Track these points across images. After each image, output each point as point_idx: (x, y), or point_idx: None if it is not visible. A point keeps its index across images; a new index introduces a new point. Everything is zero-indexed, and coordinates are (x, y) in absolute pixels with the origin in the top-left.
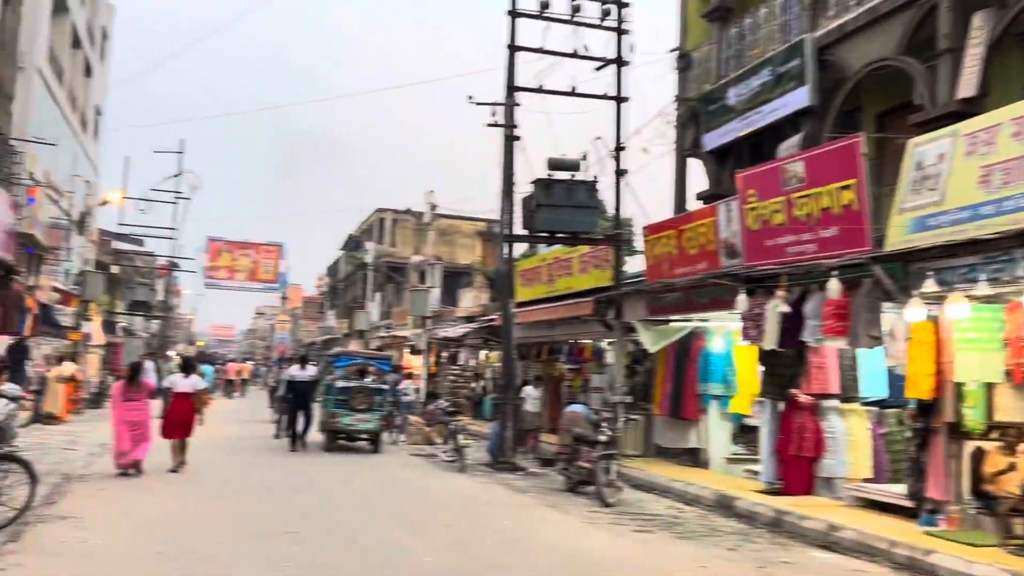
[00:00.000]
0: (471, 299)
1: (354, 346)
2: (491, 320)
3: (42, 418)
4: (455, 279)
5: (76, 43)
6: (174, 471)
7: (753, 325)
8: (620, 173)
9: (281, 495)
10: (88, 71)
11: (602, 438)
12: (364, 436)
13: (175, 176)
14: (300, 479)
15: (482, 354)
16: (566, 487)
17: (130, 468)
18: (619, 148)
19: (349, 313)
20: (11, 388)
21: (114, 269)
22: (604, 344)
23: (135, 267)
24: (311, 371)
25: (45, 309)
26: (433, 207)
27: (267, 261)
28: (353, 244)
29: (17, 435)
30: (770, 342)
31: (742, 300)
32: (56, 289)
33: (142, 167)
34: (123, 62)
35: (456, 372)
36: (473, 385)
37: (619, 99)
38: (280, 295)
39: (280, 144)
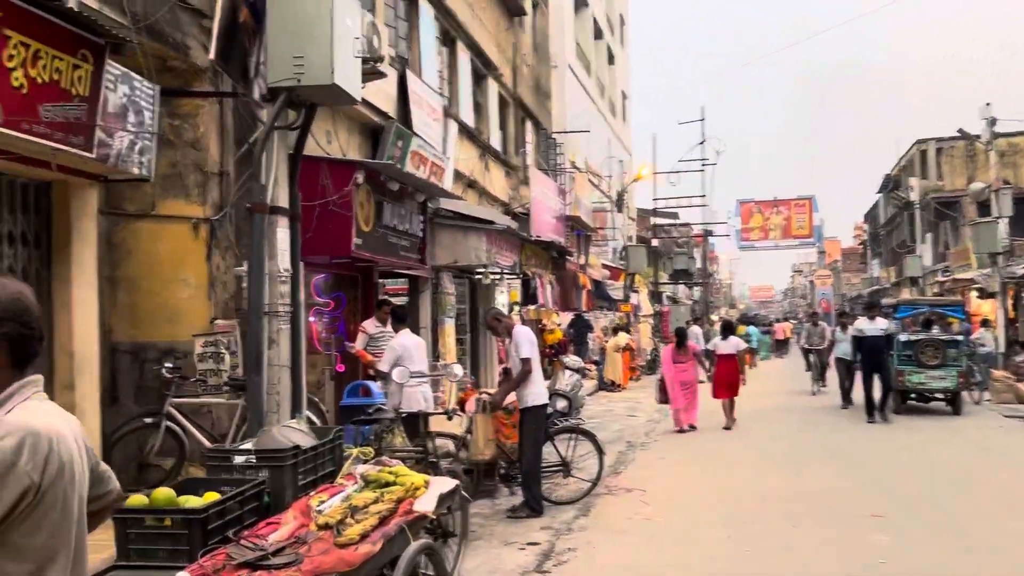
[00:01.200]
0: None
1: (906, 295)
2: None
3: (606, 386)
4: None
5: (598, 34)
6: (727, 428)
7: None
8: None
9: (848, 467)
10: (611, 59)
11: None
12: (939, 396)
13: (699, 144)
14: (866, 447)
15: None
16: None
17: (686, 427)
18: None
19: (896, 260)
20: (574, 360)
21: (654, 242)
22: None
23: (672, 238)
24: (882, 324)
25: (598, 285)
26: (992, 122)
27: (799, 216)
28: (892, 184)
29: (584, 404)
30: None
31: None
32: (605, 266)
33: (670, 141)
34: (639, 42)
35: None
36: None
37: None
38: (816, 250)
39: (804, 89)
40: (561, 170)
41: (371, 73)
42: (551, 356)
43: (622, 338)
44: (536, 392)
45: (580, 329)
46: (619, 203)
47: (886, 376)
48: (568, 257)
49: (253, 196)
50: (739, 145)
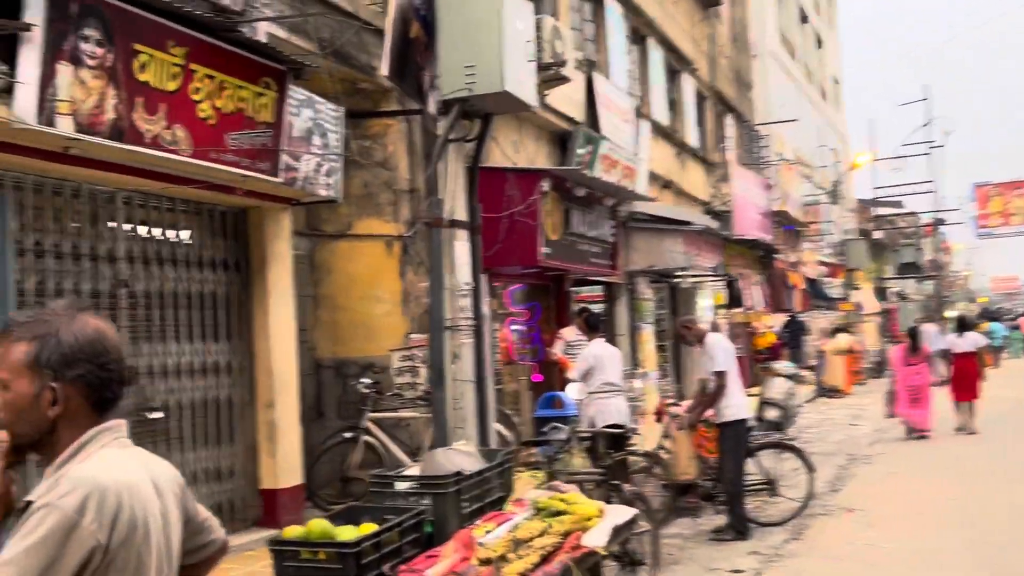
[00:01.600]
0: None
1: None
2: None
3: (825, 392)
4: None
5: (804, 18)
6: (968, 432)
7: None
8: None
9: None
10: (819, 43)
11: None
12: None
13: (924, 126)
14: None
15: None
16: None
17: (917, 435)
18: None
19: None
20: (785, 366)
21: (877, 234)
22: None
23: (897, 229)
24: None
25: (813, 283)
26: None
27: None
28: None
29: (798, 414)
30: None
31: None
32: (821, 262)
33: (891, 125)
34: (851, 23)
35: None
36: None
37: None
38: None
39: None
40: (767, 163)
41: (555, 79)
42: (763, 361)
43: (843, 339)
44: (735, 404)
45: (794, 331)
46: (834, 194)
47: None
48: (776, 255)
49: (431, 211)
50: (973, 122)
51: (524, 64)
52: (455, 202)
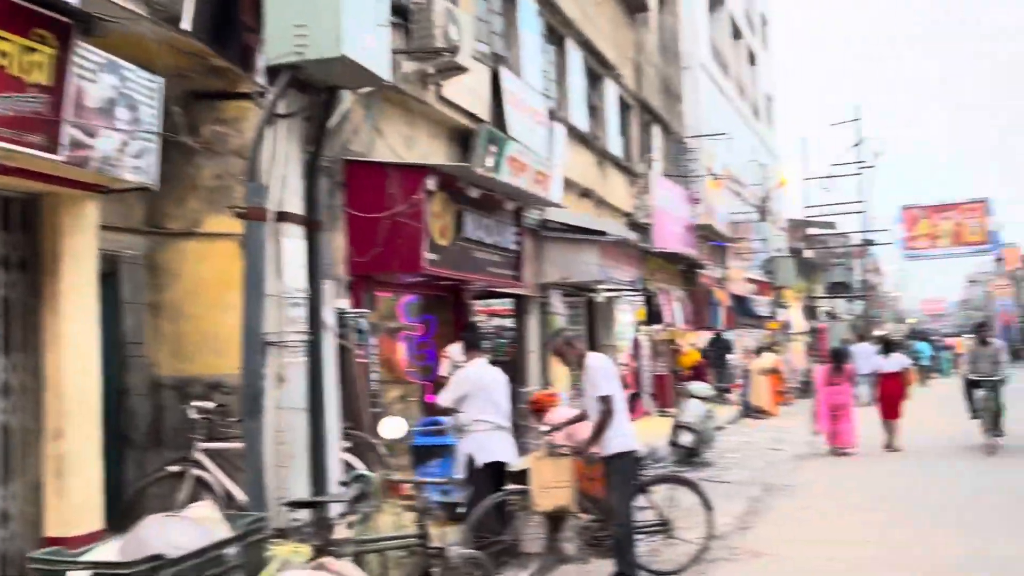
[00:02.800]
0: None
1: None
2: None
3: (751, 412)
4: None
5: (736, 34)
6: (891, 449)
7: None
8: None
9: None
10: (752, 59)
11: None
12: None
13: (855, 146)
14: None
15: None
16: None
17: (840, 452)
18: None
19: None
20: (702, 388)
21: (808, 253)
22: None
23: (827, 248)
24: None
25: (740, 301)
26: None
27: (972, 221)
28: None
29: (715, 437)
30: None
31: None
32: (749, 279)
33: (825, 146)
34: (786, 42)
35: None
36: None
37: None
38: (993, 257)
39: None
40: (695, 177)
41: (449, 68)
42: (685, 380)
43: (768, 359)
44: (623, 434)
45: (719, 350)
46: (762, 211)
47: None
48: (701, 270)
49: (249, 199)
50: (903, 145)
51: (372, 28)
52: (286, 191)
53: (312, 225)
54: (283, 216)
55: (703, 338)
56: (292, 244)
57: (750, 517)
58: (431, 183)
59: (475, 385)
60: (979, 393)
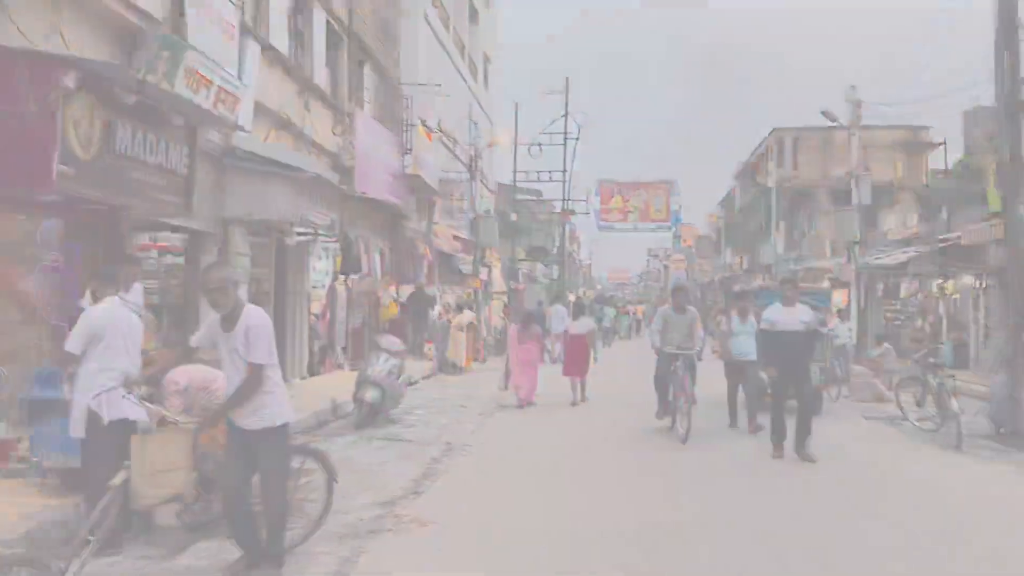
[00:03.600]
0: (894, 221)
1: (759, 282)
2: (949, 240)
3: (447, 367)
4: (873, 199)
5: None
6: (574, 404)
7: None
8: None
9: (710, 495)
10: (474, 16)
11: None
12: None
13: (563, 116)
14: (741, 468)
15: (934, 285)
16: None
17: (525, 404)
18: None
19: (749, 247)
20: (390, 341)
21: (513, 217)
22: None
23: (533, 213)
24: (806, 316)
25: (447, 257)
26: (858, 104)
27: (658, 199)
28: (749, 172)
29: (404, 393)
30: None
31: None
32: (456, 237)
33: (536, 113)
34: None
35: (895, 308)
36: (920, 323)
37: None
38: (673, 234)
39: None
40: (409, 126)
41: None
42: (384, 333)
43: (466, 316)
44: (278, 403)
45: (420, 305)
46: (472, 170)
47: (807, 392)
48: (406, 222)
49: None
50: (610, 122)
51: None
52: None
53: None
54: None
55: (405, 292)
56: None
57: (426, 481)
58: (71, 80)
59: (103, 328)
60: (672, 367)
